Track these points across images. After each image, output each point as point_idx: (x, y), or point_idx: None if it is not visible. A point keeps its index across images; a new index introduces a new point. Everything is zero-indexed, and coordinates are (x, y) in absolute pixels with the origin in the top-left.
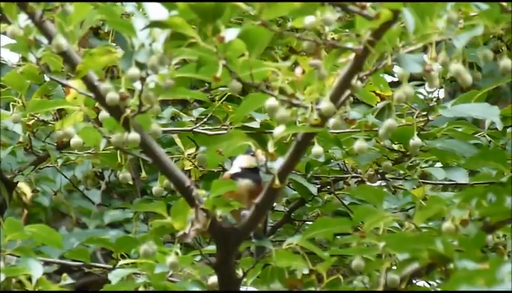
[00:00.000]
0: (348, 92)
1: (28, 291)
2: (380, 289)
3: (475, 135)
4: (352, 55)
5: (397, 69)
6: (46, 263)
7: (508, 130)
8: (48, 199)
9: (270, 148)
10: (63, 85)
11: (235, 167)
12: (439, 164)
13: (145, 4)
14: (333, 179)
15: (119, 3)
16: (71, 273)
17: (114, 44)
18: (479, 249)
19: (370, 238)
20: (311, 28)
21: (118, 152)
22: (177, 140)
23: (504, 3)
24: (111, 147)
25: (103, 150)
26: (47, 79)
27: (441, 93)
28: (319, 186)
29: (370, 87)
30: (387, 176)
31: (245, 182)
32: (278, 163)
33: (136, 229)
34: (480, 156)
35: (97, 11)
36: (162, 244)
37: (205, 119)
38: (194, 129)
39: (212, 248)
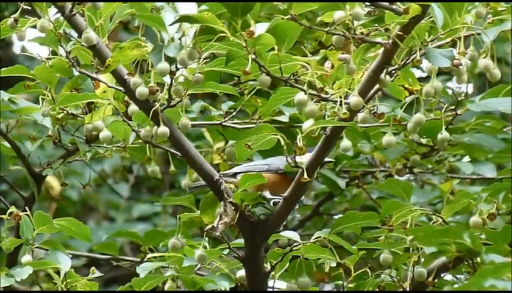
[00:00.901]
0: (376, 86)
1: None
2: (408, 282)
3: (503, 130)
4: (381, 50)
5: (425, 63)
6: (74, 256)
7: None
8: (77, 193)
9: (299, 142)
10: (93, 79)
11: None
12: (467, 158)
13: None
14: (362, 173)
15: None
16: (99, 266)
17: (144, 39)
18: (506, 243)
19: (398, 232)
20: (340, 23)
21: (147, 146)
22: (206, 134)
23: None
24: (140, 141)
25: (132, 144)
26: (76, 72)
27: (469, 88)
28: (347, 180)
29: (398, 81)
30: (415, 170)
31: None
32: (306, 157)
33: (165, 223)
34: (507, 150)
35: (127, 5)
36: (190, 238)
37: (234, 113)
38: (223, 123)
39: (240, 241)
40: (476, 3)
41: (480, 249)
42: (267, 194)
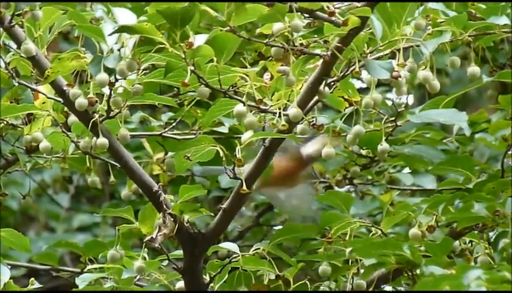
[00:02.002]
0: (316, 98)
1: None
2: None
3: (443, 141)
4: (320, 61)
5: (365, 75)
6: (14, 267)
7: (476, 136)
8: (17, 203)
9: (238, 153)
10: (32, 90)
11: None
12: (407, 170)
13: (115, 9)
14: None
15: (89, 8)
16: (39, 277)
17: (83, 49)
18: (445, 255)
19: (337, 244)
20: (279, 34)
21: (87, 156)
22: (146, 145)
23: (472, 10)
24: (80, 151)
25: (71, 154)
26: (16, 83)
27: (409, 99)
28: None
29: (338, 93)
30: (355, 181)
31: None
32: (246, 169)
33: (105, 234)
34: (447, 162)
35: (66, 16)
36: (130, 249)
37: (174, 124)
38: (163, 134)
39: (179, 252)
40: (416, 14)
41: (419, 261)
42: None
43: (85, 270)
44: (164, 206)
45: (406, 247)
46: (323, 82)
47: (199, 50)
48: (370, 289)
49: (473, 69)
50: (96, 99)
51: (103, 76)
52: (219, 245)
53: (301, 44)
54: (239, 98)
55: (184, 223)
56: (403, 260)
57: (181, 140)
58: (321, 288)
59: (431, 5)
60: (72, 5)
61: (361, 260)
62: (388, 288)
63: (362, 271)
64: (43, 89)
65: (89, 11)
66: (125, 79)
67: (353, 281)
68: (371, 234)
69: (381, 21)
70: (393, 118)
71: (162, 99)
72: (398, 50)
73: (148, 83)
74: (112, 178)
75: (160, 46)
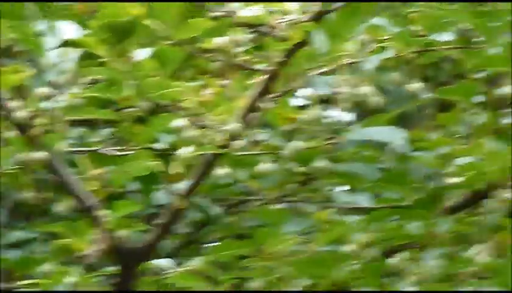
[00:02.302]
0: (256, 114)
1: None
2: None
3: (381, 159)
4: (262, 77)
5: (306, 91)
6: None
7: (415, 154)
8: None
9: (177, 168)
10: None
11: None
12: (343, 187)
13: (58, 23)
14: (237, 201)
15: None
16: None
17: (26, 63)
18: (379, 274)
19: (272, 262)
20: (221, 49)
21: (23, 171)
22: (84, 160)
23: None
24: (17, 166)
25: (8, 169)
26: None
27: (349, 116)
28: (223, 208)
29: (278, 109)
30: (291, 198)
31: None
32: (183, 184)
33: (40, 249)
34: (384, 180)
35: (8, 29)
36: (63, 264)
37: (113, 140)
38: (101, 149)
39: (113, 268)
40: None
41: (353, 282)
42: None
43: (18, 286)
44: (99, 222)
45: (340, 266)
46: (264, 97)
47: (141, 64)
48: None
49: (414, 86)
50: (36, 113)
51: (43, 90)
52: (153, 261)
53: (243, 60)
54: (180, 113)
55: (119, 239)
56: (336, 282)
57: (120, 156)
58: None
59: (375, 21)
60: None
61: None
62: None
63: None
64: None
65: (32, 25)
66: (66, 93)
67: None
68: (306, 251)
69: (325, 37)
70: (332, 136)
71: (102, 113)
72: (341, 66)
73: (89, 97)
74: (48, 193)
75: (103, 60)
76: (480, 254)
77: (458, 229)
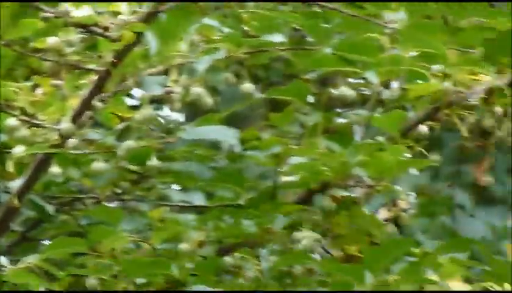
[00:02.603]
0: (89, 113)
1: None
2: None
3: (213, 158)
4: (94, 77)
5: (138, 91)
6: None
7: (247, 153)
8: None
9: (9, 167)
10: None
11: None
12: (176, 186)
13: None
14: (71, 199)
15: None
16: None
17: None
18: (214, 272)
19: (107, 259)
20: (53, 49)
21: None
22: None
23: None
24: None
25: None
26: None
27: (181, 116)
28: (56, 206)
29: (110, 109)
30: (124, 197)
31: None
32: (17, 183)
33: None
34: (217, 178)
35: None
36: None
37: None
38: None
39: None
40: (191, 31)
41: (187, 280)
42: None
43: None
44: None
45: (175, 266)
46: (97, 97)
47: None
48: None
49: (246, 86)
50: None
51: None
52: None
53: (75, 59)
54: (12, 112)
55: None
56: (171, 280)
57: None
58: None
59: (207, 21)
60: None
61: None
62: None
63: (131, 287)
64: None
65: None
66: None
67: None
68: (141, 249)
69: (156, 37)
70: (164, 135)
71: None
72: (173, 66)
73: None
74: None
75: None
76: (316, 250)
77: (294, 226)
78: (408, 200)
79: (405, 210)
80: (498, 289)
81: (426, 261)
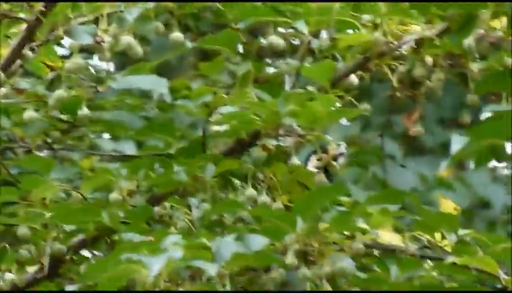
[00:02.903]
0: (19, 62)
1: None
2: (46, 258)
3: (144, 107)
4: (24, 26)
5: (68, 40)
6: None
7: (177, 102)
8: None
9: None
10: None
11: (310, 167)
12: (107, 135)
13: None
14: (1, 148)
15: None
16: None
17: None
18: (145, 221)
19: (38, 208)
20: None
21: None
22: None
23: None
24: None
25: None
26: None
27: (111, 65)
28: None
29: (41, 58)
30: (55, 146)
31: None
32: None
33: None
34: (148, 128)
35: None
36: None
37: None
38: None
39: None
40: None
41: (118, 227)
42: None
43: None
44: None
45: (106, 214)
46: (27, 46)
47: None
48: (69, 254)
49: (176, 35)
50: None
51: None
52: None
53: (5, 8)
54: None
55: None
56: (102, 227)
57: None
58: (20, 251)
59: None
60: None
61: (61, 225)
62: (87, 252)
63: (61, 236)
64: None
65: None
66: None
67: (52, 245)
68: (71, 198)
69: None
70: (94, 84)
71: None
72: (102, 15)
73: None
74: None
75: None
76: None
77: (224, 175)
78: (338, 149)
79: (335, 159)
80: (427, 237)
81: (357, 211)
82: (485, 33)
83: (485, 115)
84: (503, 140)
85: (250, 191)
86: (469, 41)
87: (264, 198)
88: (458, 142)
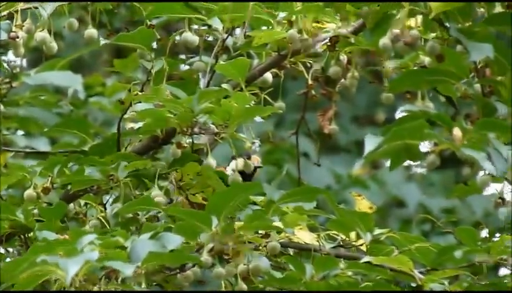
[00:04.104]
0: None
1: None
2: None
3: (58, 104)
4: None
5: None
6: None
7: (91, 99)
8: None
9: None
10: None
11: (228, 170)
12: (20, 131)
13: None
14: None
15: None
16: None
17: None
18: (59, 218)
19: None
20: None
21: None
22: None
23: None
24: None
25: None
26: None
27: (25, 61)
28: None
29: None
30: None
31: None
32: None
33: None
34: (62, 124)
35: None
36: None
37: None
38: None
39: None
40: None
41: (32, 225)
42: None
43: None
44: None
45: (20, 211)
46: None
47: None
48: None
49: (90, 32)
50: None
51: None
52: None
53: None
54: None
55: None
56: (16, 225)
57: None
58: None
59: None
60: None
61: None
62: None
63: None
64: None
65: None
66: None
67: None
68: None
69: None
70: (8, 80)
71: None
72: (17, 11)
73: None
74: None
75: None
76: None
77: (138, 173)
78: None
79: (248, 157)
80: (342, 236)
81: (271, 209)
82: (400, 32)
83: (400, 113)
84: (417, 140)
85: (156, 192)
86: (384, 41)
87: (175, 197)
88: (371, 142)
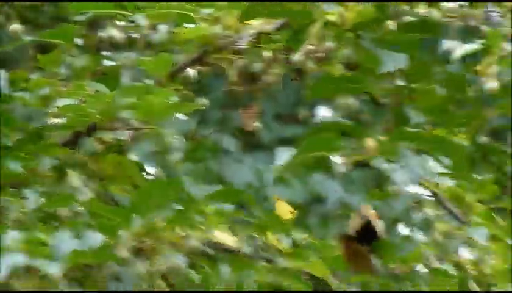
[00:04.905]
0: None
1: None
2: None
3: None
4: None
5: None
6: None
7: (16, 94)
8: None
9: None
10: None
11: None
12: None
13: None
14: None
15: None
16: None
17: None
18: None
19: None
20: None
21: None
22: None
23: None
24: None
25: None
26: None
27: None
28: None
29: None
30: None
31: None
32: None
33: None
34: None
35: None
36: None
37: None
38: None
39: None
40: None
41: None
42: None
43: None
44: None
45: None
46: None
47: None
48: None
49: (15, 27)
50: None
51: None
52: None
53: None
54: None
55: None
56: None
57: None
58: None
59: None
60: None
61: None
62: None
63: None
64: None
65: None
66: None
67: None
68: None
69: None
70: None
71: None
72: None
73: None
74: None
75: None
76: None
77: (61, 168)
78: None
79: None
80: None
81: (193, 209)
82: (315, 46)
83: (320, 111)
84: (329, 152)
85: (75, 182)
86: (297, 57)
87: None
88: (282, 156)
